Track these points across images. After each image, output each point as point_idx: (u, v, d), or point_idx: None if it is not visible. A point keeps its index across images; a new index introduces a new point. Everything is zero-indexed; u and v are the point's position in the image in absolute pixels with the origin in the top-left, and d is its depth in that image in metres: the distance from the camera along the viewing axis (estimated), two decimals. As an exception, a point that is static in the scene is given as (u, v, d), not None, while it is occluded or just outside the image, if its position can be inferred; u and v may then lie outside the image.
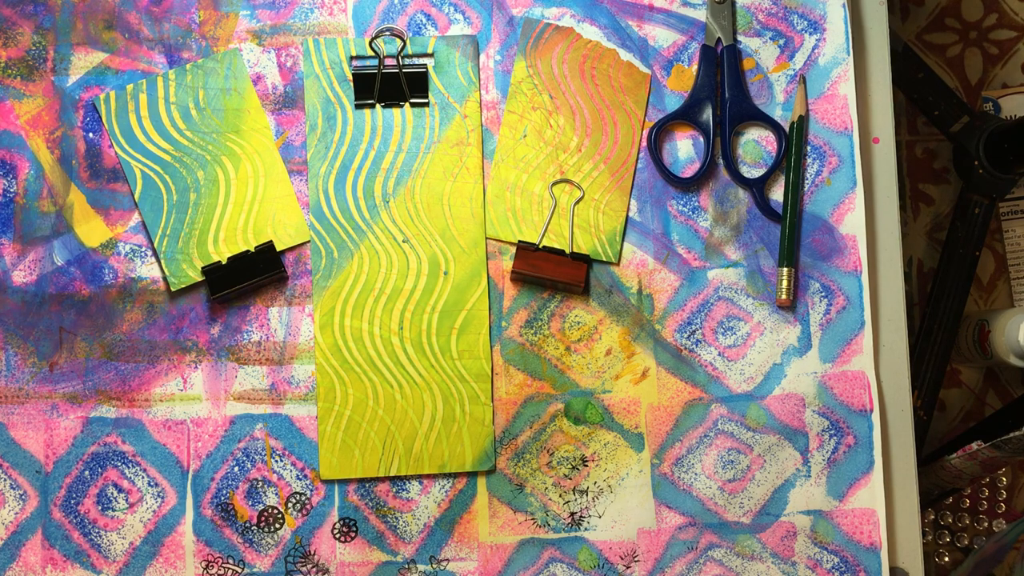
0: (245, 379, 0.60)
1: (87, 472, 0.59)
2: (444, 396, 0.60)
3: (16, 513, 0.59)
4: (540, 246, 0.61)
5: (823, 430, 0.61)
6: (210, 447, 0.59)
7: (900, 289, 0.63)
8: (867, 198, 0.63)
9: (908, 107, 1.05)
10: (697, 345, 0.61)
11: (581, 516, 0.60)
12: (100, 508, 0.59)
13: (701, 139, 0.62)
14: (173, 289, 0.60)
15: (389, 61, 0.61)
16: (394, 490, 0.60)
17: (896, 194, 0.64)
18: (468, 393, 0.60)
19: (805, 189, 0.62)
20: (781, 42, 0.63)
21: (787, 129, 0.62)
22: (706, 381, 0.61)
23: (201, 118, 0.61)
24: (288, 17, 0.62)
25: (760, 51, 0.63)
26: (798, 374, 0.61)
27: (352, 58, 0.62)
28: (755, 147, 0.63)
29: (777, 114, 0.63)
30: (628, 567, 0.60)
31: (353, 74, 0.61)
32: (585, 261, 0.61)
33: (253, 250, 0.60)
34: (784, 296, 0.61)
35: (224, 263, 0.60)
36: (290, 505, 0.60)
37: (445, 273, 0.61)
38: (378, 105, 0.61)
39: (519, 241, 0.61)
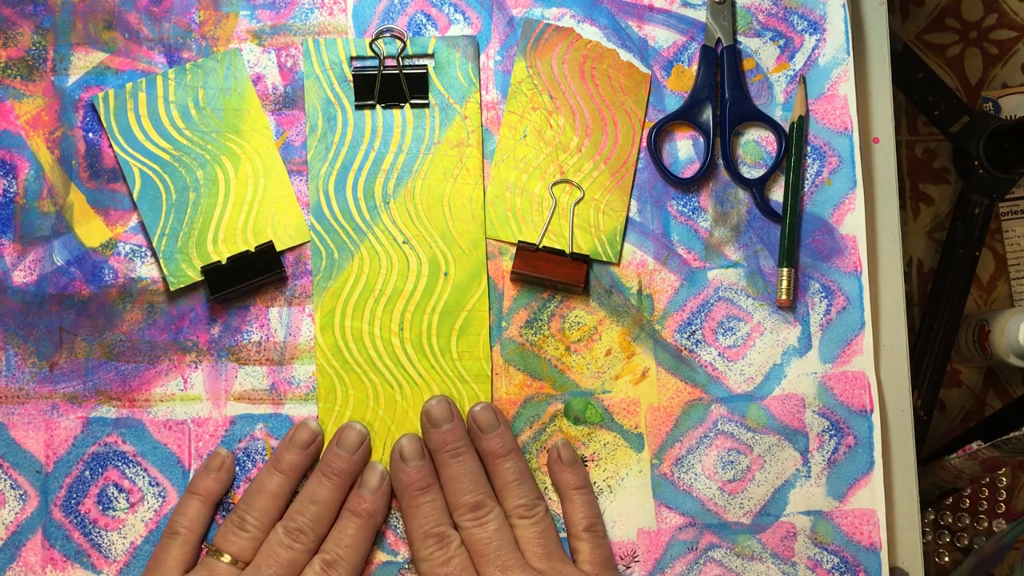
0: (245, 379, 0.60)
1: (87, 472, 0.59)
2: (444, 396, 0.60)
3: (16, 513, 0.59)
4: (540, 246, 0.61)
5: (823, 430, 0.61)
6: (211, 447, 0.59)
7: (900, 289, 0.63)
8: (867, 198, 0.63)
9: (908, 107, 1.05)
10: (697, 345, 0.61)
11: (581, 516, 0.60)
12: (101, 508, 0.59)
13: (701, 139, 0.62)
14: (172, 288, 0.60)
15: (389, 62, 0.61)
16: (394, 490, 0.60)
17: (896, 194, 0.64)
18: (468, 393, 0.60)
19: (805, 189, 0.62)
20: (781, 42, 0.63)
21: (787, 129, 0.62)
22: (706, 381, 0.61)
23: (201, 118, 0.61)
24: (288, 17, 0.62)
25: (760, 51, 0.63)
26: (798, 374, 0.61)
27: (352, 58, 0.62)
28: (755, 147, 0.63)
29: (777, 114, 0.63)
30: (628, 567, 0.60)
31: (353, 75, 0.61)
32: (585, 261, 0.61)
33: (253, 250, 0.60)
34: (784, 296, 0.61)
35: (224, 263, 0.60)
36: (290, 505, 0.59)
37: (445, 274, 0.61)
38: (378, 106, 0.61)
39: (519, 241, 0.61)
